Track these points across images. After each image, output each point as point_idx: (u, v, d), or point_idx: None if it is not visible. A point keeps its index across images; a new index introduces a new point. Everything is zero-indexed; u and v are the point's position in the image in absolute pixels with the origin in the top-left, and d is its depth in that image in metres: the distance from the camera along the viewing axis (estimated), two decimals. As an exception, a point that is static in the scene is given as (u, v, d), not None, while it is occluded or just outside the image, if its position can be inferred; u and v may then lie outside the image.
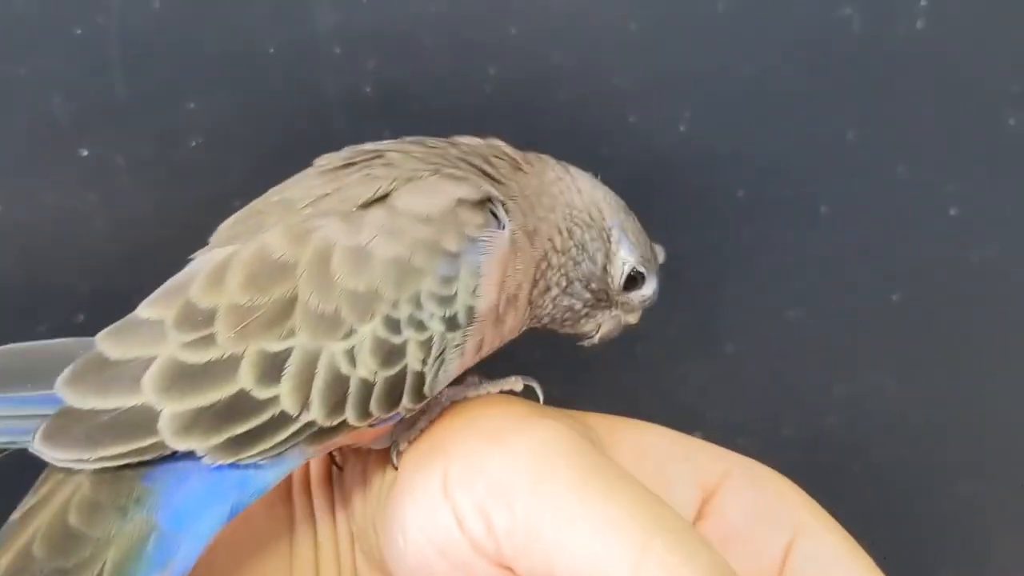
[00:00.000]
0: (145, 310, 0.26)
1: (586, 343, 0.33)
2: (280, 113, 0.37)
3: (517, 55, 0.38)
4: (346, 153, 0.30)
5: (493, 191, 0.28)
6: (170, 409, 0.25)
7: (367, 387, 0.25)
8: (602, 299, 0.32)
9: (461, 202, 0.27)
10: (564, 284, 0.31)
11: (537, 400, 0.30)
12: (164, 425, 0.25)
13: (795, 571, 0.28)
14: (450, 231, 0.27)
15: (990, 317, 0.45)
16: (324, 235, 0.26)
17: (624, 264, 0.32)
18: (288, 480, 0.31)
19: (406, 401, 0.26)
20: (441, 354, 0.26)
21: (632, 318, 0.33)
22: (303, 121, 0.38)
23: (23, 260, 0.37)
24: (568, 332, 0.33)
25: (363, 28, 0.37)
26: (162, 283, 0.28)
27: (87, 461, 0.24)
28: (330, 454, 0.31)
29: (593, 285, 0.31)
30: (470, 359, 0.28)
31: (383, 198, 0.27)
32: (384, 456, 0.29)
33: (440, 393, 0.28)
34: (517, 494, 0.24)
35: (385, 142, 0.30)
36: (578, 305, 0.31)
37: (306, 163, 0.38)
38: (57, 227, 0.36)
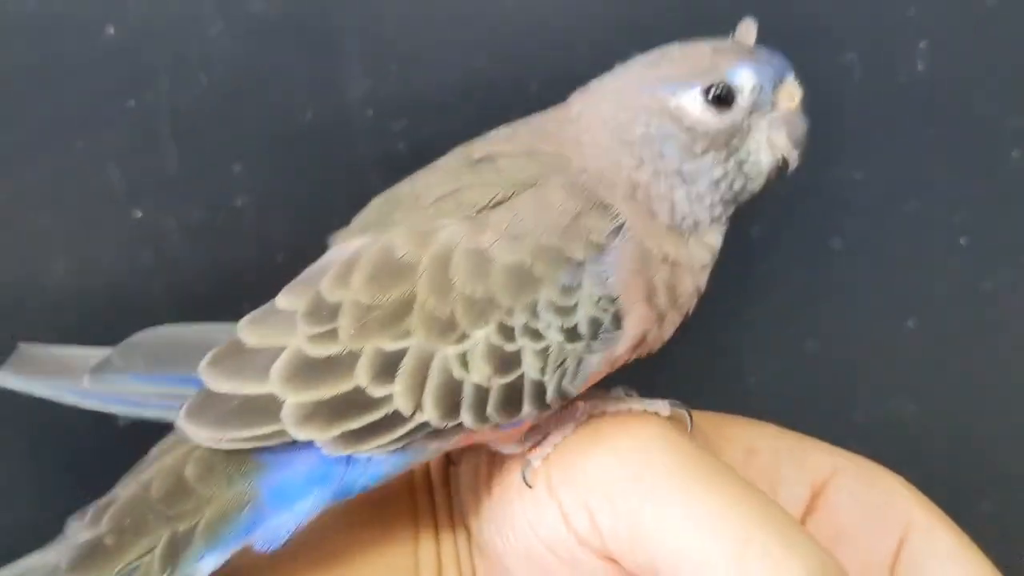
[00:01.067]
0: (282, 299, 0.27)
1: (788, 169, 0.29)
2: (319, 173, 0.39)
3: (538, 109, 0.40)
4: (468, 150, 0.29)
5: (613, 201, 0.26)
6: (293, 399, 0.25)
7: (482, 392, 0.25)
8: (723, 143, 0.27)
9: (582, 212, 0.26)
10: (683, 191, 0.27)
11: (688, 425, 0.28)
12: (287, 414, 0.25)
13: (908, 567, 0.27)
14: (575, 239, 0.26)
15: (1003, 341, 0.46)
16: (446, 237, 0.25)
17: (686, 108, 0.27)
18: (412, 474, 0.31)
19: (528, 408, 0.26)
20: (562, 364, 0.25)
21: (787, 103, 0.28)
22: (340, 179, 0.39)
23: (82, 318, 0.38)
24: (751, 196, 0.28)
25: (392, 92, 0.39)
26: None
27: (219, 441, 0.26)
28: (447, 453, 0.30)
29: (697, 147, 0.27)
30: (606, 369, 0.27)
31: (505, 202, 0.26)
32: (497, 455, 0.29)
33: (576, 405, 0.27)
34: (619, 491, 0.25)
35: (504, 141, 0.29)
36: (714, 174, 0.27)
37: (344, 219, 0.40)
38: (113, 286, 0.38)
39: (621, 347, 0.27)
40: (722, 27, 0.40)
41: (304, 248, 0.39)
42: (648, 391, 0.42)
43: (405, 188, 0.29)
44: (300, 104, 0.38)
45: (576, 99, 0.29)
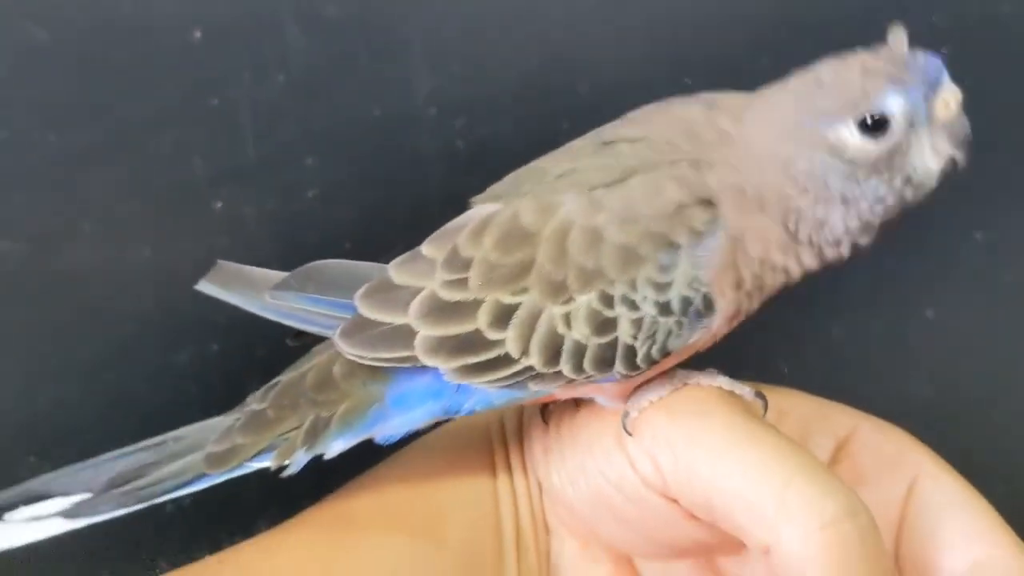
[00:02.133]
0: (426, 247, 0.31)
1: (957, 166, 0.29)
2: (384, 166, 0.42)
3: (587, 110, 0.41)
4: (594, 135, 0.31)
5: (712, 190, 0.28)
6: (424, 332, 0.29)
7: (580, 348, 0.29)
8: (886, 166, 0.28)
9: (687, 203, 0.28)
10: (841, 212, 0.28)
11: (763, 411, 0.31)
12: (418, 344, 0.29)
13: (917, 507, 0.31)
14: (678, 225, 0.28)
15: (1019, 332, 0.48)
16: (566, 211, 0.29)
17: (845, 141, 0.27)
18: (490, 427, 0.35)
19: (619, 367, 0.29)
20: (653, 334, 0.29)
21: (944, 111, 0.28)
22: (404, 173, 0.42)
23: (166, 297, 0.41)
24: (929, 189, 0.29)
25: (454, 92, 0.42)
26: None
27: (363, 358, 0.30)
28: (541, 410, 0.34)
29: (860, 175, 0.28)
30: (698, 342, 0.30)
31: (618, 184, 0.29)
32: (575, 412, 0.32)
33: (675, 372, 0.30)
34: (678, 441, 0.29)
35: (620, 129, 0.31)
36: (879, 193, 0.28)
37: (406, 210, 0.43)
38: (195, 268, 0.41)
39: (713, 324, 0.30)
40: (763, 28, 0.43)
41: (368, 235, 0.43)
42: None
43: (536, 164, 0.32)
44: (368, 102, 0.41)
45: (728, 112, 0.30)
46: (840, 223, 0.29)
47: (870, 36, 0.30)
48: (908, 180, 0.28)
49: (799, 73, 0.29)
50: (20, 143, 0.40)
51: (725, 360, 0.37)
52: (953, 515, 0.31)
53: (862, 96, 0.27)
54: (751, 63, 0.42)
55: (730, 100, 0.30)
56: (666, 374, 0.31)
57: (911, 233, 0.45)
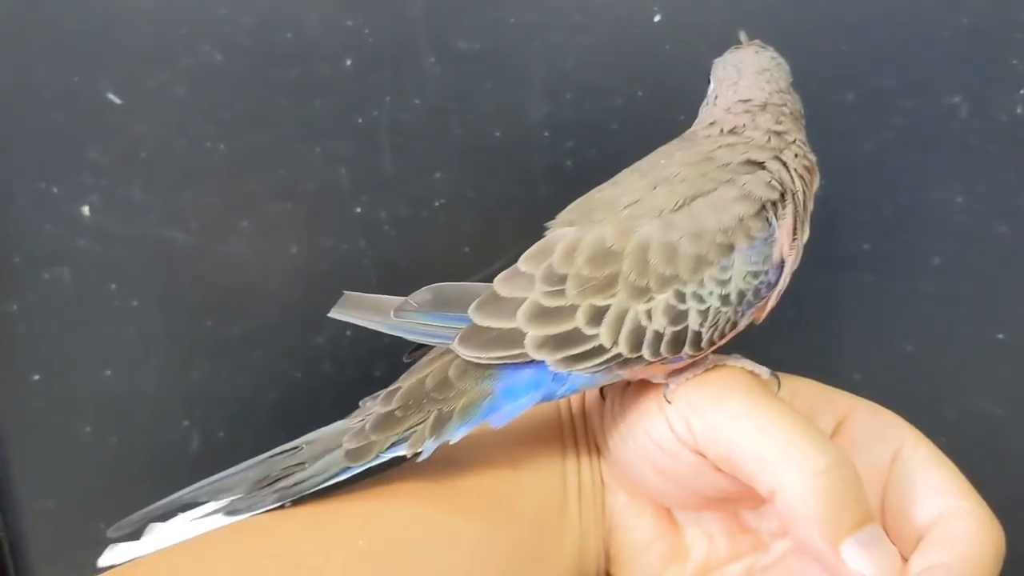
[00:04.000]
0: (523, 264, 0.36)
1: None
2: (501, 182, 0.47)
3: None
4: (641, 174, 0.37)
5: (769, 196, 0.35)
6: (532, 333, 0.35)
7: (658, 336, 0.35)
8: None
9: (744, 217, 0.35)
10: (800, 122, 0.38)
11: (777, 388, 0.37)
12: (528, 342, 0.35)
13: (898, 470, 0.37)
14: (741, 236, 0.35)
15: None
16: (644, 232, 0.35)
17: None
18: (559, 409, 0.41)
19: (687, 349, 0.35)
20: (716, 321, 0.35)
21: None
22: (517, 188, 0.47)
23: (308, 289, 0.47)
24: None
25: (565, 117, 0.46)
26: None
27: (482, 359, 0.36)
28: (601, 390, 0.40)
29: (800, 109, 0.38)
30: (742, 326, 0.36)
31: (684, 206, 0.35)
32: (627, 390, 0.38)
33: (707, 356, 0.36)
34: (706, 407, 0.35)
35: (669, 164, 0.37)
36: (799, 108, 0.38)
37: (519, 220, 0.47)
38: (335, 265, 0.47)
39: (772, 298, 0.36)
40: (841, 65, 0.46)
41: (485, 241, 0.48)
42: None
43: (597, 195, 0.38)
44: (490, 124, 0.46)
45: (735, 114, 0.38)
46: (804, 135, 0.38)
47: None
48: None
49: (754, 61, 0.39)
50: (194, 149, 0.45)
51: (797, 367, 0.41)
52: (925, 476, 0.36)
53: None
54: (838, 96, 0.47)
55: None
56: (701, 358, 0.37)
57: (984, 259, 0.48)
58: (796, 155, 0.37)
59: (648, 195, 0.36)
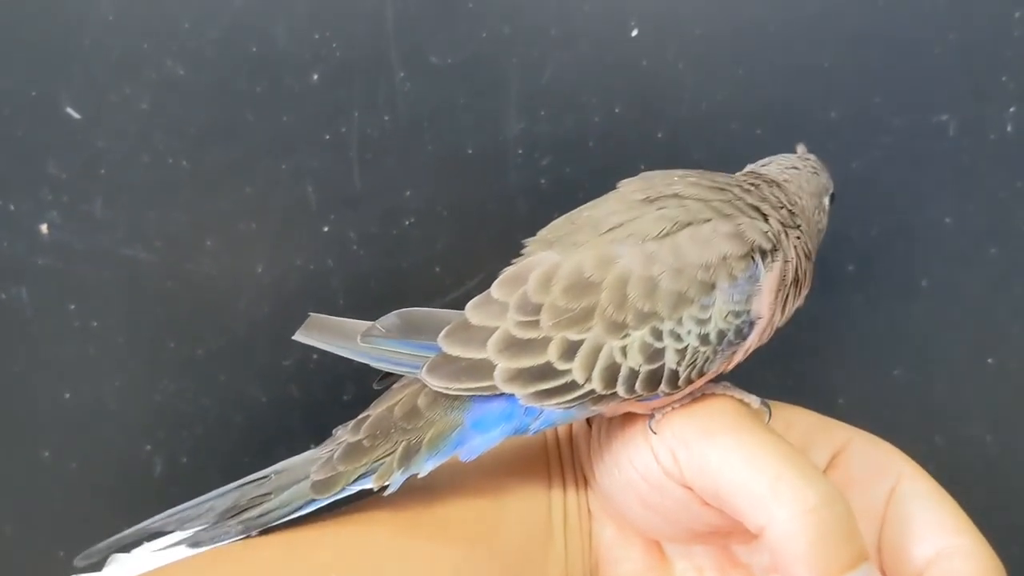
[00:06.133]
0: (496, 291, 0.35)
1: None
2: (474, 200, 0.46)
3: (663, 154, 0.45)
4: (644, 186, 0.36)
5: (761, 242, 0.34)
6: (502, 365, 0.34)
7: (633, 374, 0.33)
8: (825, 212, 0.39)
9: (729, 256, 0.34)
10: (816, 234, 0.38)
11: (767, 417, 0.36)
12: (497, 374, 0.34)
13: (896, 505, 0.36)
14: (723, 274, 0.33)
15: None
16: (625, 264, 0.33)
17: (826, 200, 0.39)
18: (546, 437, 0.40)
19: (664, 387, 0.34)
20: (693, 360, 0.34)
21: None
22: (491, 206, 0.46)
23: (275, 309, 0.46)
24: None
25: (541, 133, 0.45)
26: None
27: (450, 389, 0.34)
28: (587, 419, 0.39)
29: (824, 215, 0.39)
30: (726, 366, 0.35)
31: (669, 235, 0.34)
32: (613, 421, 0.37)
33: (691, 385, 0.35)
34: (693, 438, 0.33)
35: (680, 181, 0.36)
36: (824, 222, 0.39)
37: (492, 239, 0.46)
38: (303, 284, 0.46)
39: (739, 352, 0.35)
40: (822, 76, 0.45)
41: (457, 261, 0.47)
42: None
43: (585, 214, 0.37)
44: (463, 140, 0.45)
45: (760, 175, 0.39)
46: (816, 243, 0.38)
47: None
48: (826, 216, 0.40)
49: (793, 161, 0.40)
50: (158, 165, 0.44)
51: (780, 391, 0.40)
52: (924, 512, 0.35)
53: (830, 182, 0.39)
54: (823, 114, 0.46)
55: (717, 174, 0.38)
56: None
57: (974, 281, 0.48)
58: (799, 238, 0.36)
59: (637, 216, 0.35)
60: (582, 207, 0.37)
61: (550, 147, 0.46)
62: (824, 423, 0.38)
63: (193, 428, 0.48)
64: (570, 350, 0.34)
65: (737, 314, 0.34)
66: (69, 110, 0.43)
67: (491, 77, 0.45)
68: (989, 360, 0.49)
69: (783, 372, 0.42)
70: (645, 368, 0.33)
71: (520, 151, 0.46)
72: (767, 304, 0.34)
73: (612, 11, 0.44)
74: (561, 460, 0.40)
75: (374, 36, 0.44)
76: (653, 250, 0.34)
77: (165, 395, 0.47)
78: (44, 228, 0.45)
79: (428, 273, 0.46)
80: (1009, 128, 0.46)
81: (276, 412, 0.47)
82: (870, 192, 0.47)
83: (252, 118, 0.44)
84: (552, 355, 0.33)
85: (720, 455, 0.33)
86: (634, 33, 0.45)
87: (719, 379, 0.36)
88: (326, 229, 0.46)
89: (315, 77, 0.44)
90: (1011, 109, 0.46)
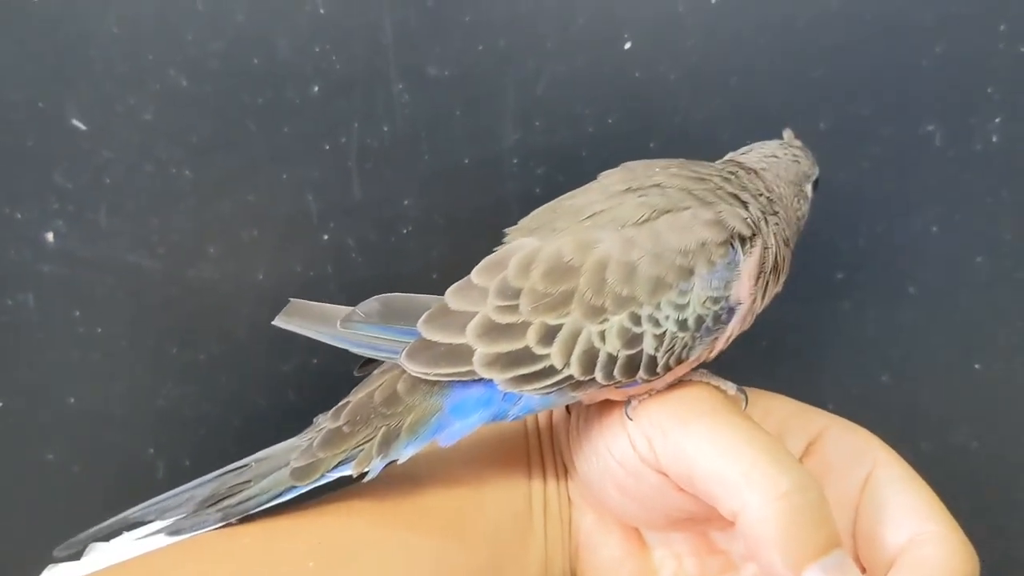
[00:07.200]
0: (476, 276, 0.35)
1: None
2: (470, 208, 0.46)
3: None
4: (626, 176, 0.36)
5: (741, 229, 0.34)
6: (481, 350, 0.34)
7: (612, 359, 0.34)
8: (807, 199, 0.39)
9: (708, 242, 0.34)
10: (794, 222, 0.38)
11: (744, 404, 0.36)
12: (476, 359, 0.34)
13: (870, 492, 0.36)
14: (701, 260, 0.34)
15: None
16: (604, 248, 0.33)
17: (808, 187, 0.39)
18: (526, 426, 0.40)
19: (642, 373, 0.34)
20: (672, 346, 0.34)
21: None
22: (488, 215, 0.46)
23: (275, 315, 0.43)
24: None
25: (536, 144, 0.46)
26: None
27: (429, 375, 0.35)
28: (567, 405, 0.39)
29: (805, 202, 0.39)
30: (708, 353, 0.35)
31: (648, 222, 0.34)
32: (591, 409, 0.37)
33: (670, 372, 0.35)
34: (668, 425, 0.34)
35: (661, 172, 0.36)
36: (804, 208, 0.39)
37: (488, 248, 0.47)
38: (302, 291, 0.44)
39: (720, 340, 0.35)
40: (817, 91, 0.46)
41: (454, 268, 0.46)
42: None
43: (566, 202, 0.37)
44: (460, 150, 0.46)
45: (739, 163, 0.39)
46: (794, 230, 0.38)
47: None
48: (808, 203, 0.40)
49: (774, 148, 0.40)
50: (161, 175, 0.45)
51: (778, 392, 0.40)
52: (897, 497, 0.35)
53: (813, 168, 0.39)
54: (813, 125, 0.47)
55: (698, 163, 0.38)
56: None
57: (961, 288, 0.48)
58: (777, 224, 0.37)
59: (617, 203, 0.35)
60: (563, 196, 0.37)
61: (544, 157, 0.46)
62: (802, 410, 0.39)
63: (195, 433, 0.48)
64: (549, 335, 0.34)
65: (716, 300, 0.34)
66: (75, 121, 0.44)
67: (487, 89, 0.45)
68: (976, 366, 0.49)
69: (770, 377, 0.42)
70: (623, 353, 0.34)
71: (515, 161, 0.46)
72: (747, 290, 0.35)
73: (606, 24, 0.45)
74: (541, 448, 0.40)
75: (373, 49, 0.44)
76: (632, 235, 0.34)
77: (168, 400, 0.48)
78: (50, 236, 0.45)
79: (425, 280, 0.47)
80: (995, 139, 0.46)
81: (275, 416, 0.48)
82: (858, 201, 0.48)
83: (254, 128, 0.45)
84: (531, 340, 0.34)
85: (695, 442, 0.33)
86: (627, 45, 0.45)
87: (700, 368, 0.36)
88: (326, 237, 0.46)
89: (315, 89, 0.44)
90: (996, 120, 0.46)
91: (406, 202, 0.46)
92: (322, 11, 0.44)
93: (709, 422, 0.33)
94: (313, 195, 0.46)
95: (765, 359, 0.50)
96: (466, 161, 0.46)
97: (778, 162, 0.39)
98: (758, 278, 0.35)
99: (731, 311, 0.35)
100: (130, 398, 0.48)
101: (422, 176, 0.46)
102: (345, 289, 0.47)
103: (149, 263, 0.46)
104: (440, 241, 0.47)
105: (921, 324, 0.49)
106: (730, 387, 0.36)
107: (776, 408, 0.38)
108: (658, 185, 0.35)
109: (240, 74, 0.44)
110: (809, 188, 0.40)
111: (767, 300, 0.37)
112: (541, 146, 0.46)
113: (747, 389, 0.37)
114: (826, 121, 0.47)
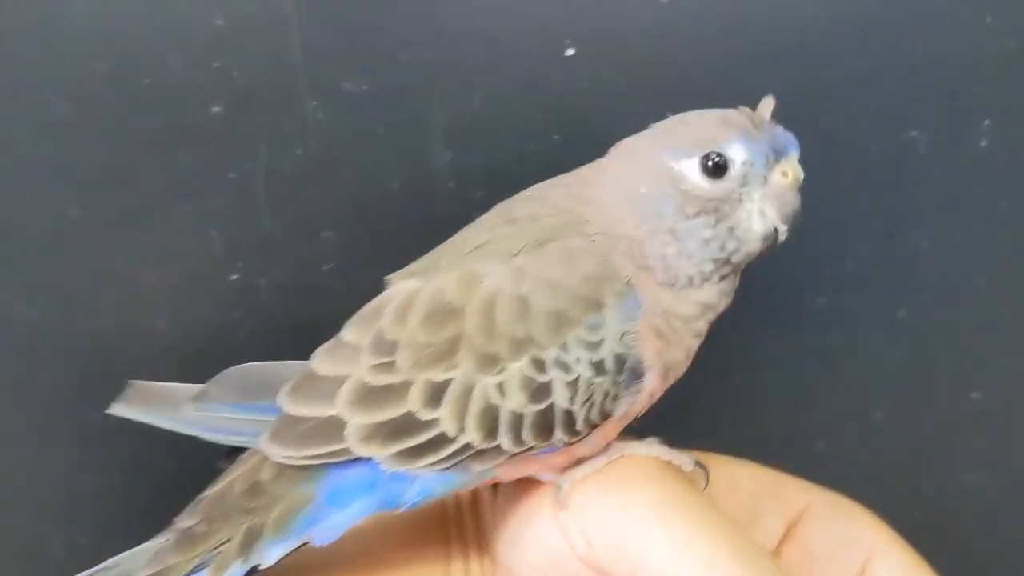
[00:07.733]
0: (347, 332, 0.31)
1: (779, 239, 0.30)
2: (402, 240, 0.41)
3: None
4: (502, 210, 0.32)
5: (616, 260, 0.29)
6: (356, 421, 0.29)
7: (517, 417, 0.28)
8: (714, 209, 0.29)
9: (603, 265, 0.29)
10: (674, 248, 0.29)
11: (704, 483, 0.31)
12: (350, 433, 0.29)
13: None
14: (604, 286, 0.29)
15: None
16: (490, 282, 0.29)
17: (685, 173, 0.29)
18: (445, 505, 0.35)
19: (559, 434, 0.29)
20: (591, 396, 0.29)
21: (779, 178, 0.29)
22: (421, 247, 0.41)
23: (180, 367, 0.42)
24: (749, 257, 0.30)
25: (472, 164, 0.42)
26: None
27: (295, 458, 0.30)
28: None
29: (689, 209, 0.29)
30: (637, 406, 0.30)
31: (533, 251, 0.29)
32: (518, 486, 0.32)
33: (612, 445, 0.30)
34: (608, 514, 0.29)
35: (528, 201, 0.31)
36: (703, 235, 0.29)
37: None
38: (209, 340, 0.42)
39: (650, 383, 0.30)
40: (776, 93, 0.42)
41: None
42: (717, 447, 0.44)
43: (451, 240, 0.33)
44: (386, 175, 0.42)
45: (606, 156, 0.32)
46: (675, 259, 0.29)
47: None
48: (731, 232, 0.29)
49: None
50: (45, 213, 0.41)
51: (749, 436, 0.37)
52: None
53: (711, 139, 0.29)
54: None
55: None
56: (604, 447, 0.31)
57: (955, 317, 0.45)
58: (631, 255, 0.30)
59: (502, 233, 0.30)
60: (457, 233, 0.33)
61: (483, 179, 0.42)
62: (777, 483, 0.34)
63: (95, 506, 0.44)
64: (435, 394, 0.29)
65: (634, 334, 0.29)
66: (-60, 156, 0.40)
67: (414, 105, 0.41)
68: (974, 395, 0.46)
69: (749, 421, 0.38)
70: (531, 409, 0.28)
71: (451, 184, 0.42)
72: (651, 351, 0.29)
73: (544, 30, 0.41)
74: (463, 529, 0.35)
75: (280, 62, 0.40)
76: (522, 264, 0.29)
77: (64, 468, 0.44)
78: (-82, 288, 0.41)
79: (351, 323, 0.42)
80: (984, 143, 0.43)
81: (187, 485, 0.43)
82: (839, 219, 0.44)
83: (148, 157, 0.41)
84: (414, 403, 0.29)
85: (641, 534, 0.28)
86: (569, 52, 0.41)
87: (643, 432, 0.31)
88: (234, 278, 0.42)
89: (215, 110, 0.40)
90: (985, 122, 0.43)
91: (326, 235, 0.42)
92: (219, 22, 0.40)
93: (657, 508, 0.28)
94: (217, 230, 0.42)
95: (744, 397, 0.46)
96: (394, 186, 0.42)
97: (615, 163, 0.32)
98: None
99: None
100: (21, 468, 0.43)
101: (342, 205, 0.42)
102: (257, 337, 0.42)
103: (35, 314, 0.42)
104: (367, 279, 0.41)
105: (915, 352, 0.46)
106: (686, 462, 0.31)
107: (745, 480, 0.34)
108: (539, 212, 0.31)
109: (129, 97, 0.40)
110: (696, 177, 0.29)
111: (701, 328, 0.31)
112: (479, 167, 0.42)
113: (710, 458, 0.32)
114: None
